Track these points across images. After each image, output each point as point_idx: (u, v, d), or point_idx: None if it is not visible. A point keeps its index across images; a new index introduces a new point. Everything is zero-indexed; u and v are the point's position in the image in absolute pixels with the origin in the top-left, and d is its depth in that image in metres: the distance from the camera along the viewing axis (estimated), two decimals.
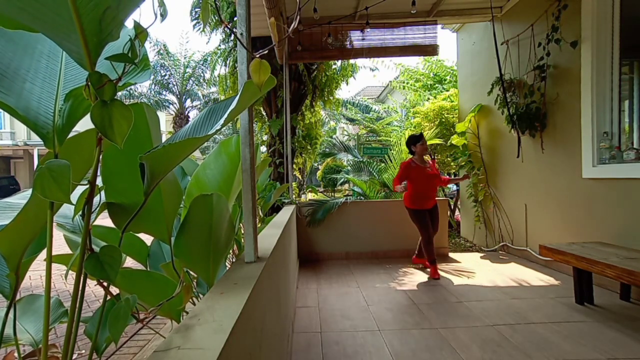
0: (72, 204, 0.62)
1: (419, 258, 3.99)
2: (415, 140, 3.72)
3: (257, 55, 0.74)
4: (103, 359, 2.08)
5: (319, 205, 4.52)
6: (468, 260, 4.24)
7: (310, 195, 8.18)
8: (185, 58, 16.95)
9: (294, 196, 4.75)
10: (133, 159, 0.84)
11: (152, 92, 16.58)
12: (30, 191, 0.81)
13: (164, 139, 0.87)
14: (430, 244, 3.62)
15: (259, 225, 2.38)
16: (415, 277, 3.59)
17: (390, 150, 5.90)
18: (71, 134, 0.71)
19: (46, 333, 0.68)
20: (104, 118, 0.55)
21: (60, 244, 1.83)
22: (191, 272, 1.14)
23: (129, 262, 1.54)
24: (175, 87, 16.77)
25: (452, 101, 6.05)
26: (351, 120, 12.82)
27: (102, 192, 0.87)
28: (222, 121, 0.70)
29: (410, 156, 3.83)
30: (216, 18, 5.32)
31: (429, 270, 3.70)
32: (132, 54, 0.60)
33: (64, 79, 0.75)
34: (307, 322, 2.53)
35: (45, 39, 0.74)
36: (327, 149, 8.45)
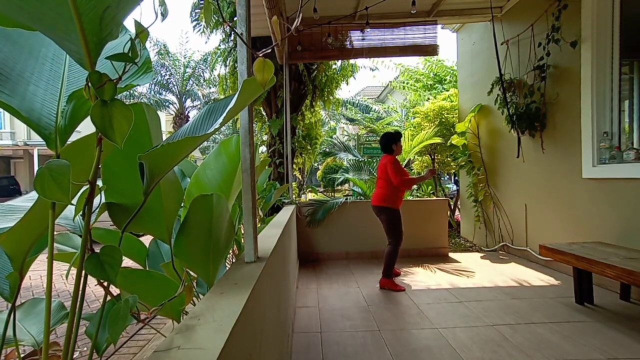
0: (72, 204, 0.62)
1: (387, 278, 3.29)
2: (397, 139, 3.37)
3: (261, 54, 0.74)
4: (103, 359, 2.08)
5: (319, 205, 4.52)
6: (468, 260, 4.24)
7: (310, 195, 8.18)
8: (185, 58, 16.95)
9: (294, 196, 4.75)
10: (133, 159, 0.84)
11: (152, 92, 16.58)
12: (34, 193, 0.81)
13: (164, 138, 0.87)
14: (397, 252, 3.26)
15: (259, 225, 2.38)
16: (416, 277, 3.59)
17: None
18: (73, 135, 0.71)
19: (47, 333, 0.68)
20: (104, 118, 0.55)
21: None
22: (191, 272, 1.14)
23: (128, 263, 1.54)
24: (175, 87, 16.76)
25: (452, 101, 6.05)
26: (351, 120, 12.82)
27: (103, 193, 0.87)
28: (220, 120, 0.70)
29: (383, 154, 3.42)
30: (216, 18, 5.32)
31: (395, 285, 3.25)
32: (132, 53, 0.60)
33: (67, 81, 0.76)
34: (307, 322, 2.53)
35: (50, 42, 0.74)
36: (327, 149, 8.45)
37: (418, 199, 5.44)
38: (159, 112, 16.91)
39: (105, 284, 0.69)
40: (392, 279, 3.28)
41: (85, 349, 2.42)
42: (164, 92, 17.03)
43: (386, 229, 3.35)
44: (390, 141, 3.36)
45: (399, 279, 3.52)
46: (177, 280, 1.02)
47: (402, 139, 3.55)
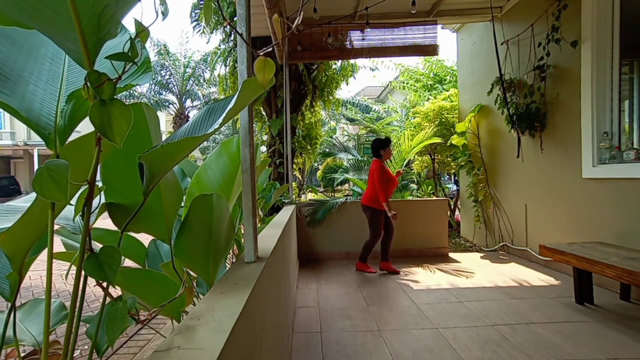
0: (71, 204, 0.62)
1: (384, 262, 3.85)
2: (386, 144, 3.76)
3: (261, 54, 0.74)
4: (103, 359, 2.08)
5: (319, 205, 4.52)
6: (468, 260, 4.24)
7: (310, 195, 8.18)
8: (185, 58, 16.96)
9: (294, 196, 4.75)
10: (132, 159, 0.84)
11: (152, 92, 16.60)
12: (34, 194, 0.81)
13: (163, 138, 0.87)
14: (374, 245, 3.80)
15: (259, 225, 2.38)
16: (416, 277, 3.59)
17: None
18: (73, 135, 0.71)
19: (47, 333, 0.68)
20: (103, 117, 0.55)
21: (59, 245, 1.83)
22: (191, 272, 1.14)
23: (128, 263, 1.54)
24: (175, 87, 16.78)
25: (452, 101, 6.05)
26: (351, 120, 12.83)
27: (102, 193, 0.87)
28: (220, 120, 0.70)
29: (375, 159, 3.83)
30: (216, 18, 5.32)
31: (383, 271, 3.85)
32: (132, 52, 0.60)
33: (66, 81, 0.76)
34: (307, 322, 2.53)
35: (49, 42, 0.74)
36: (327, 149, 8.44)
37: (418, 198, 5.44)
38: (159, 112, 16.94)
39: (105, 284, 0.69)
40: (366, 263, 3.87)
41: (86, 347, 2.42)
42: (164, 92, 17.05)
43: (368, 225, 3.83)
44: (379, 146, 3.77)
45: (398, 277, 3.52)
46: (178, 280, 1.02)
47: (391, 144, 3.88)
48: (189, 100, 17.61)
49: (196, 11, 6.13)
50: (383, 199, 3.60)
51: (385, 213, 3.69)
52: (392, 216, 3.61)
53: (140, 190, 0.75)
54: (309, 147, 6.17)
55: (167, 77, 16.43)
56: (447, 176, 10.23)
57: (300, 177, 8.41)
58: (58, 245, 1.39)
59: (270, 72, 0.72)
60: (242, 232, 1.29)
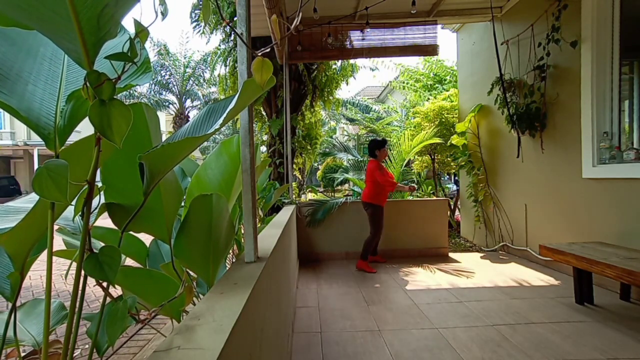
0: (71, 204, 0.62)
1: (373, 256, 4.20)
2: (381, 145, 3.91)
3: (259, 54, 0.74)
4: (103, 358, 2.08)
5: (319, 205, 4.52)
6: (468, 260, 4.24)
7: (310, 195, 8.18)
8: (185, 58, 16.97)
9: (294, 196, 4.75)
10: (132, 159, 0.84)
11: (152, 92, 16.60)
12: (34, 194, 0.81)
13: (163, 138, 0.87)
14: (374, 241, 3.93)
15: (259, 225, 2.38)
16: (416, 277, 3.59)
17: (390, 150, 5.89)
18: (73, 135, 0.71)
19: (46, 333, 0.68)
20: (103, 117, 0.55)
21: (60, 245, 1.82)
22: (191, 272, 1.14)
23: (129, 262, 1.54)
24: (175, 87, 16.78)
25: (452, 101, 6.05)
26: (351, 120, 12.83)
27: (102, 194, 0.87)
28: (220, 120, 0.70)
29: (371, 158, 4.01)
30: (216, 18, 5.32)
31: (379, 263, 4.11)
32: (131, 52, 0.60)
33: (66, 81, 0.76)
34: (307, 322, 2.53)
35: (48, 42, 0.74)
36: (327, 149, 8.44)
37: (418, 199, 5.44)
38: (159, 112, 16.95)
39: (105, 284, 0.69)
40: (367, 262, 3.90)
41: (86, 346, 2.42)
42: (164, 92, 17.06)
43: (369, 221, 3.92)
44: (375, 147, 3.92)
45: (398, 277, 3.52)
46: (178, 280, 1.02)
47: (386, 145, 3.99)
48: (189, 100, 17.61)
49: (196, 11, 6.13)
50: (391, 186, 3.79)
51: (382, 209, 3.89)
52: (410, 188, 3.95)
53: (140, 190, 0.75)
54: (309, 147, 6.16)
55: (167, 77, 16.43)
56: (447, 176, 10.23)
57: (300, 177, 8.41)
58: (59, 245, 1.39)
59: (268, 73, 0.72)
60: (242, 232, 1.29)
